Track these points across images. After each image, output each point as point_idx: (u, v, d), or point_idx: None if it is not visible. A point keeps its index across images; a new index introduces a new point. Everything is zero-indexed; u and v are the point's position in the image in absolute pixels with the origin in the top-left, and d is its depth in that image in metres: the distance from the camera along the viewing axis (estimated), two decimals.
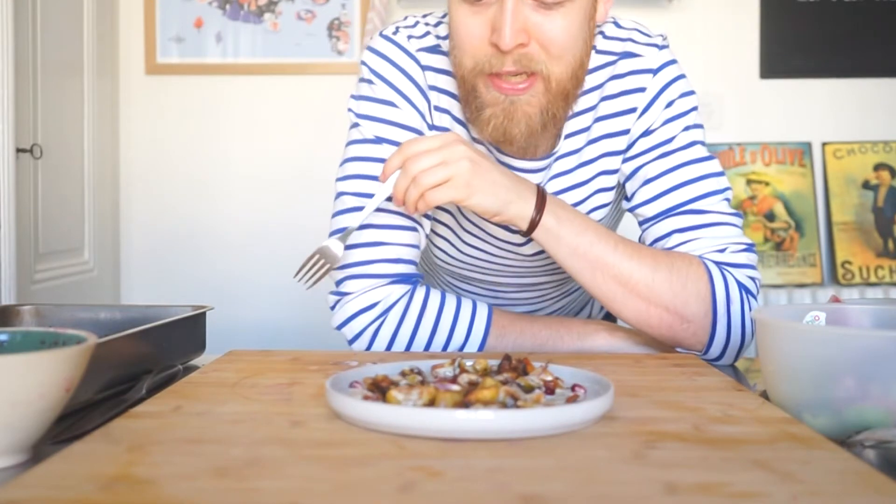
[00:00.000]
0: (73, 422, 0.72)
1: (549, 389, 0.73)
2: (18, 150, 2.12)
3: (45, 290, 2.28)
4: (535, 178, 1.06)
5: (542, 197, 0.94)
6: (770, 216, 2.77)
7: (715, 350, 1.00)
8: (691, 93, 1.06)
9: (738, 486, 0.52)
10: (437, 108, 1.06)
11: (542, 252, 1.09)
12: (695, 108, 1.06)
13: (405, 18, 1.10)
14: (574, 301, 1.27)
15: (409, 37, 1.07)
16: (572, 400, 0.69)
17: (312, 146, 2.76)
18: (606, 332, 1.05)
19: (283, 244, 2.80)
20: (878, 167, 2.80)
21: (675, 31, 2.74)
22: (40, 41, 2.27)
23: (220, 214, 2.84)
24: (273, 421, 0.67)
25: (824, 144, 2.81)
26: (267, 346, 2.25)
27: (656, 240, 1.05)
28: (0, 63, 1.98)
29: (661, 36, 1.07)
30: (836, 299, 0.92)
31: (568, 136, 1.05)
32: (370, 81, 1.06)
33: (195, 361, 1.01)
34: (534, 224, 0.94)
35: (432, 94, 1.06)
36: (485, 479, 0.54)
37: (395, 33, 1.07)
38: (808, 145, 2.81)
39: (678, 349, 1.02)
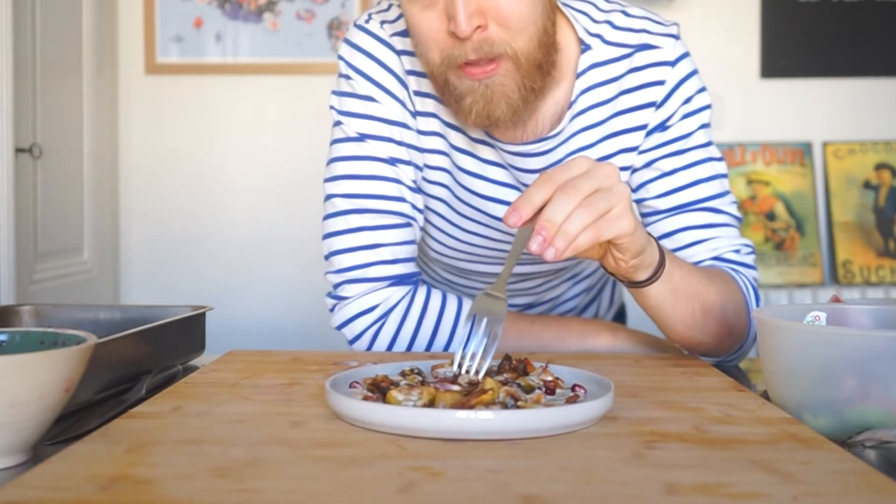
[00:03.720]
0: (72, 422, 0.72)
1: (550, 390, 0.73)
2: (18, 150, 2.12)
3: (45, 291, 2.28)
4: (536, 163, 1.04)
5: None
6: (771, 216, 2.77)
7: (743, 350, 1.02)
8: (705, 89, 1.05)
9: (739, 487, 0.52)
10: (418, 93, 1.04)
11: None
12: (709, 106, 1.05)
13: (379, 2, 1.08)
14: (572, 290, 1.26)
15: (383, 22, 1.04)
16: (572, 400, 0.69)
17: (312, 146, 2.76)
18: (608, 333, 1.04)
19: (284, 244, 2.81)
20: (879, 167, 2.80)
21: None
22: (40, 40, 2.27)
23: (220, 214, 2.84)
24: (273, 421, 0.67)
25: (825, 144, 2.81)
26: (267, 346, 2.25)
27: (667, 234, 1.04)
28: (0, 63, 1.98)
29: (675, 25, 1.05)
30: (836, 299, 0.92)
31: (580, 131, 1.03)
32: (348, 77, 1.04)
33: (195, 362, 1.01)
34: (658, 269, 0.86)
35: (411, 80, 1.04)
36: (485, 479, 0.54)
37: (367, 21, 1.05)
38: (809, 145, 2.81)
39: (692, 353, 1.02)
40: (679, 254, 1.03)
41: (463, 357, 0.73)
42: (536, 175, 1.05)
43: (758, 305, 1.02)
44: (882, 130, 2.82)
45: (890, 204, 2.77)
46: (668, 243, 1.03)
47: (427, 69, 0.96)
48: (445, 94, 0.95)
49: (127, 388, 0.83)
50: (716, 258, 1.03)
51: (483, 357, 0.73)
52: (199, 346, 1.02)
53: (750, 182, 2.79)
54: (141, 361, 0.87)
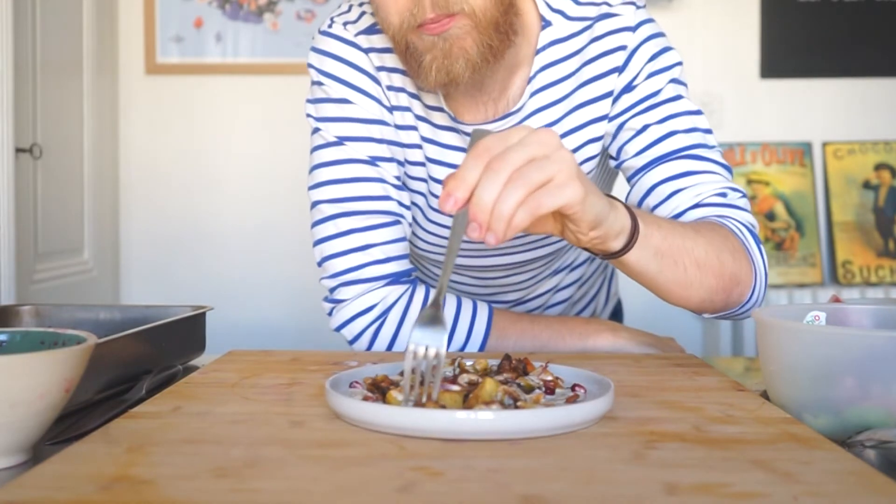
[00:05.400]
0: (73, 422, 0.72)
1: (549, 389, 0.73)
2: (18, 150, 2.12)
3: (45, 290, 2.28)
4: None
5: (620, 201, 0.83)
6: (770, 216, 2.77)
7: (756, 298, 0.97)
8: (672, 48, 1.04)
9: (739, 487, 0.52)
10: (391, 88, 1.04)
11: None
12: (679, 63, 1.03)
13: (339, 6, 1.08)
14: (564, 280, 1.24)
15: (345, 23, 1.05)
16: (572, 400, 0.69)
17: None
18: (609, 332, 1.04)
19: (284, 244, 2.81)
20: (879, 167, 2.80)
21: (675, 31, 2.73)
22: (40, 41, 2.27)
23: (220, 214, 2.84)
24: (273, 421, 0.67)
25: (825, 144, 2.81)
26: (267, 346, 2.25)
27: (648, 190, 1.00)
28: (0, 63, 1.98)
29: None
30: (836, 299, 0.92)
31: (542, 108, 1.03)
32: (320, 83, 1.05)
33: (195, 362, 1.01)
34: (632, 236, 0.81)
35: (382, 75, 1.04)
36: (485, 479, 0.54)
37: (330, 26, 1.06)
38: (809, 145, 2.81)
39: (717, 316, 0.99)
40: (662, 207, 0.99)
41: (412, 387, 0.66)
42: None
43: (759, 247, 0.97)
44: (882, 130, 2.82)
45: (889, 204, 2.77)
46: (650, 199, 1.00)
47: (388, 34, 0.96)
48: (408, 59, 0.95)
49: (127, 388, 0.83)
50: (698, 204, 0.98)
51: (432, 381, 0.66)
52: (199, 346, 1.03)
53: (750, 182, 2.79)
54: (141, 361, 0.87)
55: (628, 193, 1.05)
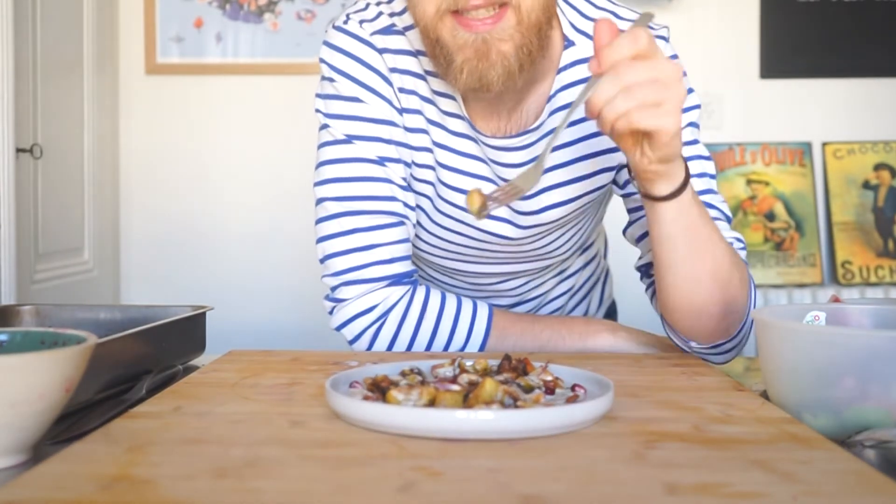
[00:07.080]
0: (73, 422, 0.72)
1: (549, 389, 0.73)
2: (18, 150, 2.12)
3: (45, 290, 2.28)
4: (515, 157, 1.03)
5: None
6: (770, 216, 2.77)
7: (740, 339, 0.97)
8: (693, 90, 1.05)
9: (738, 487, 0.52)
10: (402, 90, 1.03)
11: (522, 239, 1.08)
12: (698, 107, 1.04)
13: (356, 2, 1.07)
14: (556, 288, 1.24)
15: (362, 21, 1.04)
16: (572, 400, 0.69)
17: (312, 146, 2.73)
18: (609, 333, 1.04)
19: (283, 244, 2.80)
20: (878, 167, 2.80)
21: (675, 31, 2.72)
22: (40, 41, 2.27)
23: (220, 214, 2.84)
24: (273, 421, 0.67)
25: (824, 144, 2.81)
26: (267, 346, 2.25)
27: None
28: (0, 63, 1.98)
29: (665, 28, 1.05)
30: (836, 299, 0.92)
31: (565, 125, 1.03)
32: (331, 79, 1.03)
33: (195, 361, 1.01)
34: (684, 184, 0.85)
35: (394, 77, 1.03)
36: (485, 479, 0.54)
37: (346, 22, 1.04)
38: (808, 145, 2.81)
39: (692, 350, 0.98)
40: None
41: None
42: (515, 170, 1.03)
43: (755, 296, 0.98)
44: (881, 130, 2.82)
45: (889, 204, 2.77)
46: None
47: (420, 23, 0.94)
48: (436, 54, 0.93)
49: (127, 388, 0.83)
50: None
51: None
52: (199, 346, 1.03)
53: (749, 182, 2.79)
54: (141, 361, 0.87)
55: (630, 224, 1.06)
